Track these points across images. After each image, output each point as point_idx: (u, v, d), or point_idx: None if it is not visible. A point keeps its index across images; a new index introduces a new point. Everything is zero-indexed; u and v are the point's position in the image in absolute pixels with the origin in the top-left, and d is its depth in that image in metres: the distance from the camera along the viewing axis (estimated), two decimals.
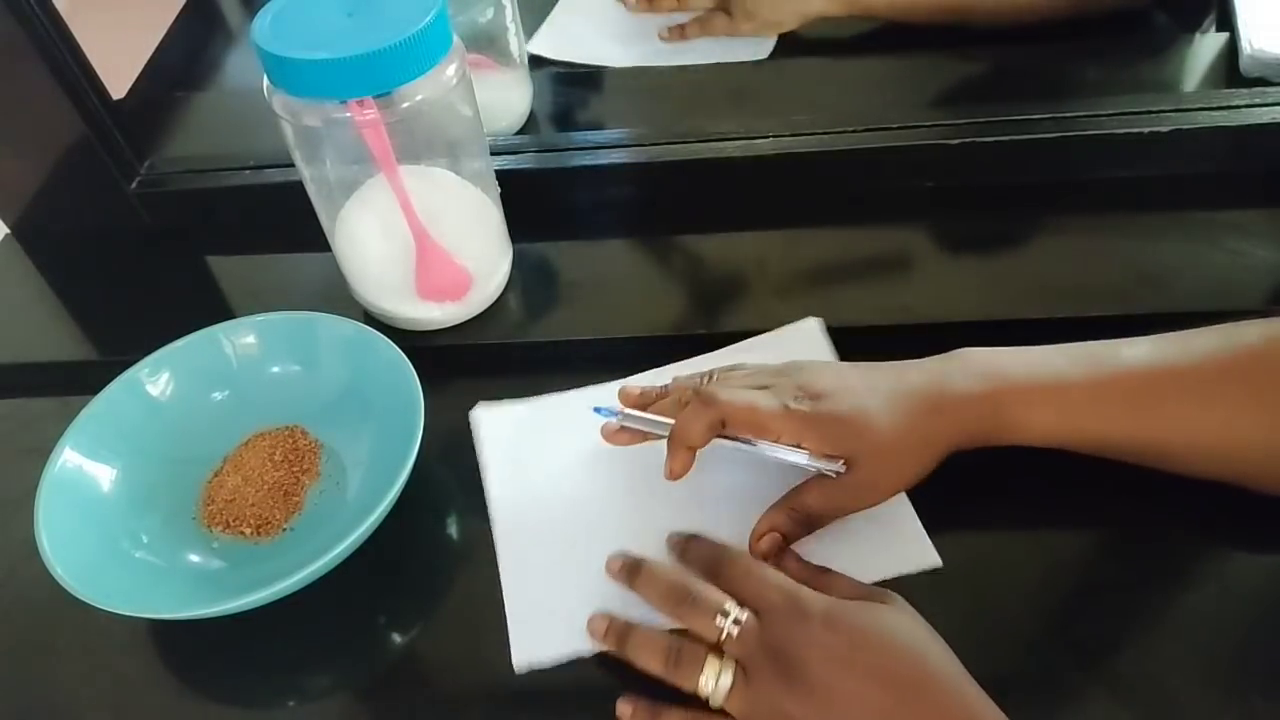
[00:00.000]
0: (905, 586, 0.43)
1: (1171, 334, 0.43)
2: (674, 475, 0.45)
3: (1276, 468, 0.42)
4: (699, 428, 0.43)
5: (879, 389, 0.43)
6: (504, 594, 0.45)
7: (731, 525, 0.46)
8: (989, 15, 0.72)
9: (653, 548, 0.46)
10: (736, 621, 0.39)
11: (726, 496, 0.47)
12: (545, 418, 0.52)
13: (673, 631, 0.41)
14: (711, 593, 0.40)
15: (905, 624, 0.38)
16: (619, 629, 0.41)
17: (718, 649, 0.39)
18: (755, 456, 0.44)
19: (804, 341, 0.53)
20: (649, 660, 0.40)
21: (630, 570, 0.43)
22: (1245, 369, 0.41)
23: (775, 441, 0.43)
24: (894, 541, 0.45)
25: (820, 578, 0.43)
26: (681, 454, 0.44)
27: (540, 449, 0.51)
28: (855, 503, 0.44)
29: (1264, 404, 0.41)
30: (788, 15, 0.74)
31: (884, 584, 0.43)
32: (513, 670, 0.42)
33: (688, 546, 0.44)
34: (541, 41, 0.77)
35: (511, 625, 0.44)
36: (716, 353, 0.53)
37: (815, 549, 0.44)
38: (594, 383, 0.53)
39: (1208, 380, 0.42)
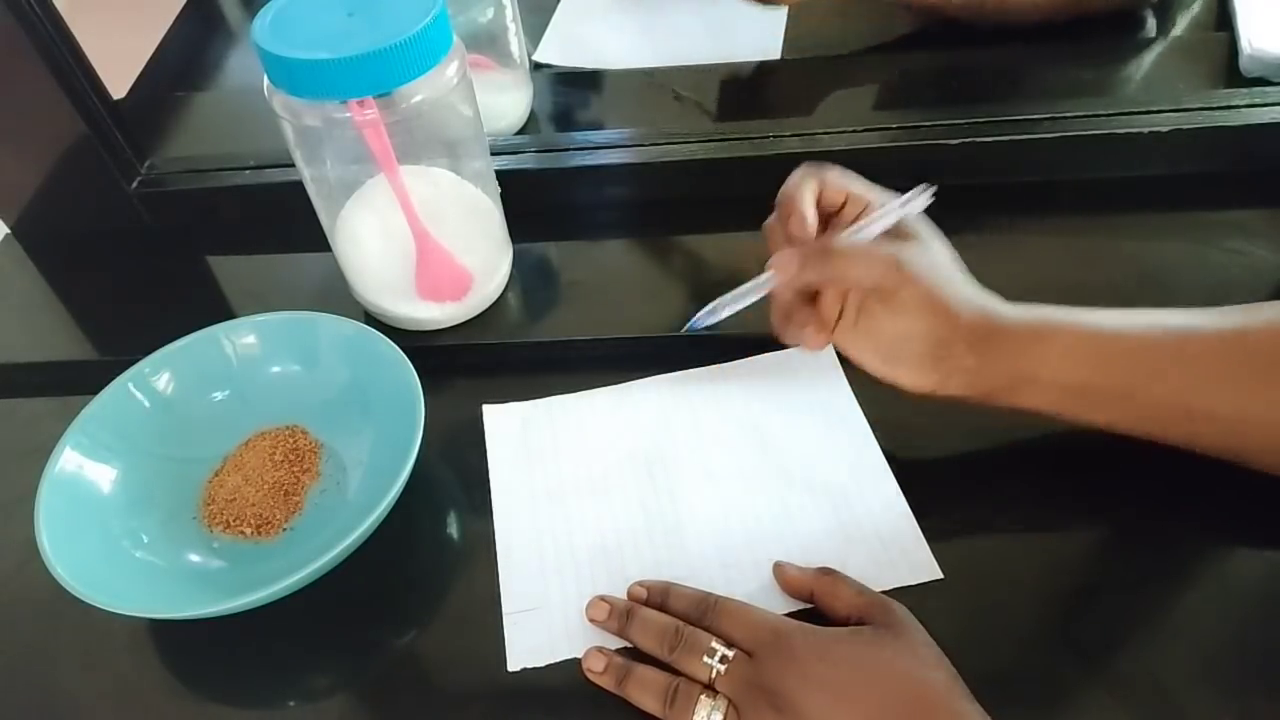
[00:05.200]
0: (907, 596, 0.42)
1: (1207, 309, 0.43)
2: (817, 340, 0.46)
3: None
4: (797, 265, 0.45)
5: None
6: (501, 594, 0.45)
7: (732, 537, 0.46)
8: (997, 7, 0.72)
9: (651, 555, 0.46)
10: (724, 659, 0.39)
11: (728, 507, 0.48)
12: (549, 420, 0.52)
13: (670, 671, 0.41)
14: (700, 634, 0.41)
15: (900, 649, 0.38)
16: (617, 668, 0.41)
17: (711, 688, 0.39)
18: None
19: (815, 362, 0.53)
20: (646, 700, 0.40)
21: (622, 617, 0.43)
22: (1260, 344, 0.41)
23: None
24: (895, 554, 0.45)
25: (822, 580, 0.43)
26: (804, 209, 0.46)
27: (543, 452, 0.51)
28: (872, 276, 0.44)
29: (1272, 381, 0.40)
30: None
31: (885, 592, 0.43)
32: (510, 670, 0.42)
33: (669, 595, 0.43)
34: (547, 49, 0.77)
35: (507, 626, 0.44)
36: (724, 365, 0.54)
37: (815, 562, 0.44)
38: (594, 383, 0.54)
39: (1230, 351, 0.41)
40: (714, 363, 0.54)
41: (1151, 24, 0.74)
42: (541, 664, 0.42)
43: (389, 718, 0.42)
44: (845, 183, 0.47)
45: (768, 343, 0.54)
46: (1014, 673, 0.41)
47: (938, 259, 0.45)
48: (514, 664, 0.42)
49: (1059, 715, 0.39)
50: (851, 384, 0.52)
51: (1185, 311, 0.43)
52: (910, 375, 0.45)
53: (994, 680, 0.38)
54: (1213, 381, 0.41)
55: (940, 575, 0.44)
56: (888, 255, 0.43)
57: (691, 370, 0.54)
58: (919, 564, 0.44)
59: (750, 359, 0.54)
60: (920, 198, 0.45)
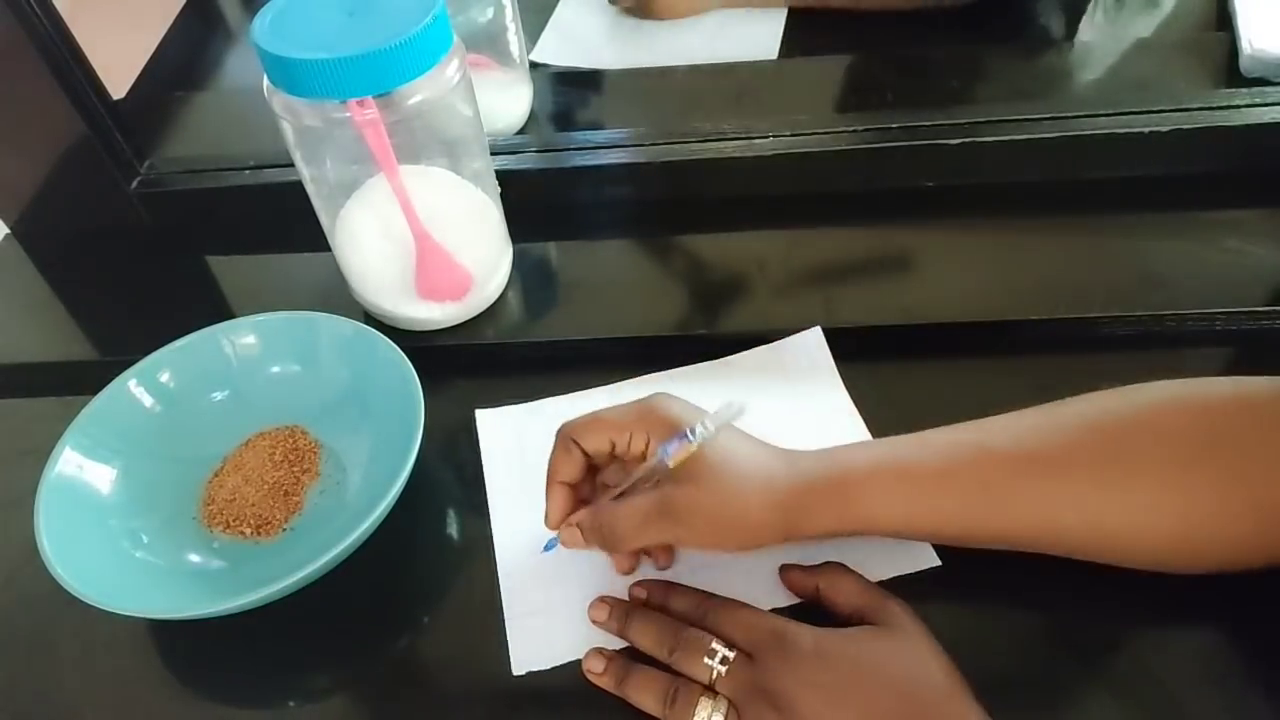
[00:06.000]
0: (906, 585, 0.43)
1: (1032, 410, 0.41)
2: (553, 522, 0.44)
3: (1151, 545, 0.40)
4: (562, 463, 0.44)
5: (733, 447, 0.42)
6: (502, 599, 0.45)
7: None
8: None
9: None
10: (724, 660, 0.39)
11: None
12: (544, 422, 0.52)
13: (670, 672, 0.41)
14: (700, 635, 0.40)
15: (900, 649, 0.38)
16: (617, 669, 0.41)
17: (711, 689, 0.39)
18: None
19: (805, 353, 0.53)
20: (646, 700, 0.40)
21: (622, 617, 0.43)
22: (1101, 448, 0.39)
23: (627, 447, 0.42)
24: (893, 542, 0.44)
25: (827, 575, 0.43)
26: (555, 494, 0.44)
27: (540, 454, 0.51)
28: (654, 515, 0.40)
29: (1109, 483, 0.39)
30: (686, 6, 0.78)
31: (884, 584, 0.43)
32: (511, 671, 0.42)
33: (669, 596, 0.43)
34: (545, 48, 0.77)
35: (510, 630, 0.44)
36: (716, 362, 0.53)
37: (815, 552, 0.44)
38: (594, 383, 0.53)
39: (1066, 460, 0.39)
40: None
41: (1150, 23, 0.74)
42: (545, 666, 0.42)
43: (389, 718, 0.42)
44: (607, 429, 0.43)
45: (764, 337, 0.54)
46: (1014, 672, 0.41)
47: (711, 477, 0.40)
48: (518, 668, 0.42)
49: (1059, 715, 0.39)
50: (844, 378, 0.52)
51: (1002, 420, 0.41)
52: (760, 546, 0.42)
53: (994, 680, 0.38)
54: (1049, 494, 0.39)
55: (938, 562, 0.44)
56: (650, 507, 0.40)
57: (686, 367, 0.53)
58: (917, 553, 0.44)
59: (743, 353, 0.54)
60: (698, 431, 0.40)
